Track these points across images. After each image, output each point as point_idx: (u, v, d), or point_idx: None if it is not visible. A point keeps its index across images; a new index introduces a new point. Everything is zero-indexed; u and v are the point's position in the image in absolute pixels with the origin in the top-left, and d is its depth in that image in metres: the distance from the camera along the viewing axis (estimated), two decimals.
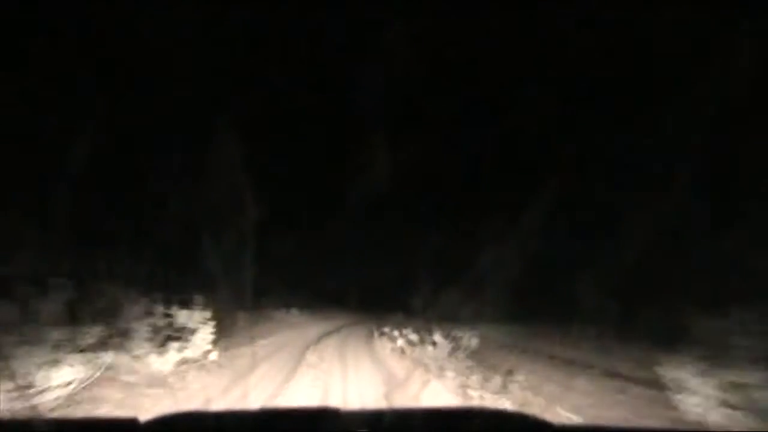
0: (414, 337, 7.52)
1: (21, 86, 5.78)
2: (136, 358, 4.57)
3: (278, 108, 10.15)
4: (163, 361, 4.74)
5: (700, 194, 7.67)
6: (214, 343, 5.60)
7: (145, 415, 1.35)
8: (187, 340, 5.17)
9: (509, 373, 5.15)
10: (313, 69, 9.81)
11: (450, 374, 5.14)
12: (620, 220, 8.30)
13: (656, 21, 7.30)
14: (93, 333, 4.31)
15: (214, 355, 5.46)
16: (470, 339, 6.99)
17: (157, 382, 4.39)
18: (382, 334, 8.77)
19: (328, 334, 9.08)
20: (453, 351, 6.62)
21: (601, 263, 7.67)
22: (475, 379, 4.90)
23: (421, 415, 1.74)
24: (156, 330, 4.93)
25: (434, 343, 6.90)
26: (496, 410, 2.85)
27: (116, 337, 4.54)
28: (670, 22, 7.11)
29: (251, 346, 6.71)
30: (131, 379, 4.29)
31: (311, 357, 6.20)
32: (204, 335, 5.43)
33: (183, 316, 5.32)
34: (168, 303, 5.33)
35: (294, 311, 11.02)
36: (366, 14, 7.95)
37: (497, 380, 4.74)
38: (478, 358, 6.47)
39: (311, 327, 10.00)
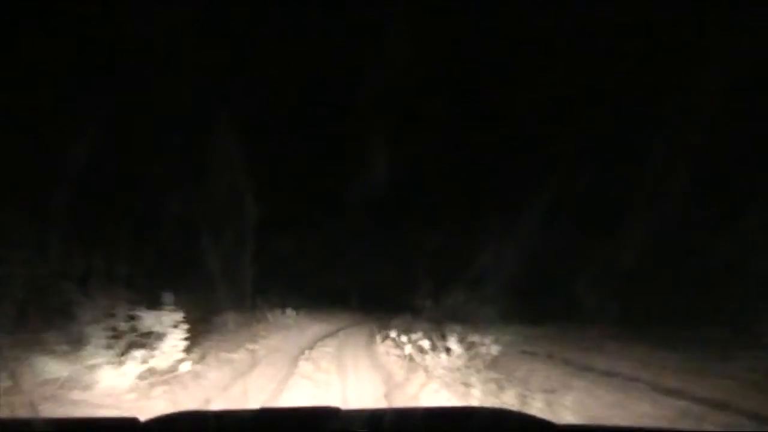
0: (425, 343, 6.43)
1: (21, 86, 5.79)
2: (89, 369, 3.88)
3: (278, 108, 10.15)
4: (122, 374, 4.03)
5: (702, 194, 7.68)
6: (189, 350, 4.89)
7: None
8: (154, 347, 4.45)
9: (550, 391, 4.31)
10: (313, 69, 9.80)
11: (476, 392, 4.36)
12: (621, 220, 8.29)
13: (657, 19, 7.30)
14: (34, 339, 3.78)
15: (187, 365, 4.68)
16: (489, 345, 6.10)
17: (111, 400, 3.75)
18: (386, 337, 7.77)
19: (325, 337, 8.45)
20: (471, 359, 5.75)
21: (603, 263, 7.60)
22: (509, 399, 4.10)
23: (421, 415, 1.75)
24: (117, 335, 4.25)
25: (448, 350, 6.03)
26: (496, 410, 2.85)
27: (66, 344, 3.91)
28: (670, 20, 7.12)
29: (235, 353, 5.93)
30: (78, 396, 3.63)
31: (305, 366, 5.57)
32: (176, 341, 4.68)
33: (151, 318, 4.60)
34: (134, 302, 4.65)
35: (290, 311, 10.46)
36: (366, 14, 7.95)
37: (539, 401, 3.98)
38: (501, 367, 5.52)
39: (307, 329, 9.25)
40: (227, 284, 7.45)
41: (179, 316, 4.83)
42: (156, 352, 4.47)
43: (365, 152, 9.80)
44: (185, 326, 4.86)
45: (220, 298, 7.56)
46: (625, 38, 7.85)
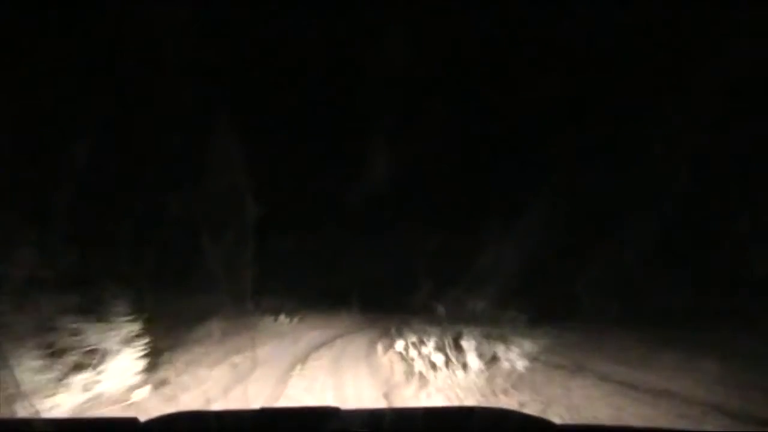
0: (438, 357, 5.53)
1: (20, 86, 5.78)
2: (13, 398, 3.11)
3: (278, 107, 10.14)
4: (59, 403, 3.29)
5: (703, 193, 7.68)
6: (151, 369, 4.14)
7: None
8: (101, 369, 3.65)
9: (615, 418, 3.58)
10: (314, 68, 9.80)
11: None
12: (622, 219, 8.29)
13: (657, 19, 7.30)
14: None
15: (143, 392, 3.85)
16: (511, 358, 5.27)
17: None
18: (389, 347, 6.97)
19: (321, 346, 7.75)
20: (493, 376, 4.96)
21: (609, 262, 7.46)
22: None
23: (421, 415, 1.74)
24: (54, 353, 3.48)
25: (465, 365, 5.24)
26: (496, 410, 2.85)
27: None
28: (671, 18, 7.13)
29: (215, 368, 5.17)
30: None
31: (296, 385, 4.87)
32: (130, 360, 3.89)
33: (99, 331, 3.77)
34: (80, 312, 3.84)
35: (283, 317, 9.87)
36: (366, 13, 7.95)
37: None
38: (530, 387, 4.73)
39: (301, 338, 8.52)
40: (217, 287, 7.13)
41: (136, 327, 4.09)
42: (104, 375, 3.69)
43: (365, 152, 9.80)
44: (144, 340, 4.12)
45: (208, 302, 7.22)
46: (625, 38, 7.86)
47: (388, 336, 8.00)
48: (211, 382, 4.74)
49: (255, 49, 8.62)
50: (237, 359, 5.88)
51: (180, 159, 7.77)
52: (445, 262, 10.82)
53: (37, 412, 3.25)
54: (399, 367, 5.85)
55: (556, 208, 8.55)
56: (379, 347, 7.30)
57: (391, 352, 6.70)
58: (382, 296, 13.67)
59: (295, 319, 10.26)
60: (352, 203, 11.40)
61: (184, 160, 7.84)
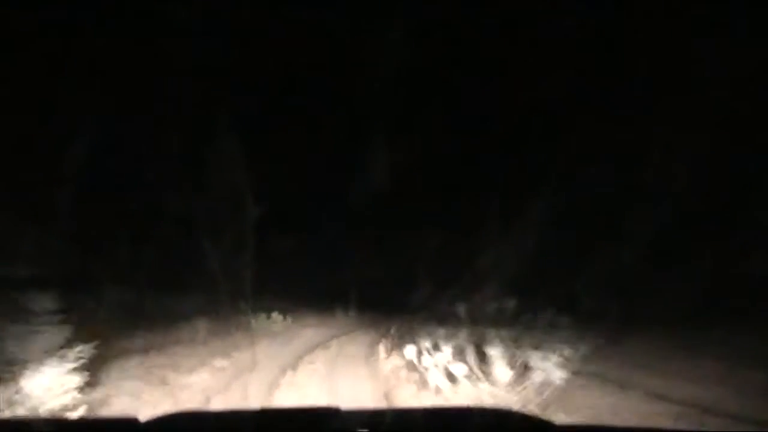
0: (460, 367, 4.72)
1: (21, 86, 5.78)
2: None
3: (278, 107, 10.15)
4: None
5: (702, 194, 7.68)
6: (90, 384, 3.31)
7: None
8: (20, 383, 2.91)
9: None
10: (314, 68, 9.80)
11: None
12: (622, 220, 8.28)
13: (657, 16, 7.30)
14: None
15: (81, 411, 3.05)
16: (544, 369, 4.50)
17: None
18: (391, 350, 6.48)
19: (316, 347, 7.32)
20: (525, 390, 4.30)
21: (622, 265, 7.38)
22: None
23: (421, 414, 1.74)
24: None
25: (489, 376, 4.67)
26: (496, 410, 2.84)
27: None
28: (671, 18, 7.13)
29: (194, 374, 4.61)
30: None
31: (283, 392, 4.51)
32: (68, 371, 3.11)
33: (27, 335, 3.06)
34: (13, 312, 3.21)
35: (276, 316, 9.51)
36: (367, 13, 7.95)
37: None
38: (574, 406, 4.17)
39: (295, 338, 8.11)
40: (210, 286, 6.99)
41: (68, 329, 3.37)
42: (30, 389, 2.92)
43: (365, 152, 9.80)
44: (80, 346, 3.32)
45: (198, 302, 7.11)
46: (625, 38, 7.86)
47: (388, 335, 7.87)
48: (182, 394, 4.36)
49: (255, 49, 8.62)
50: (221, 362, 5.53)
51: (180, 159, 7.77)
52: (445, 263, 10.77)
53: (38, 412, 3.25)
54: (404, 374, 5.46)
55: (555, 208, 8.55)
56: (382, 351, 7.04)
57: (393, 355, 6.42)
58: (382, 297, 13.56)
59: (289, 318, 10.01)
60: (352, 203, 11.39)
61: (185, 160, 7.84)
